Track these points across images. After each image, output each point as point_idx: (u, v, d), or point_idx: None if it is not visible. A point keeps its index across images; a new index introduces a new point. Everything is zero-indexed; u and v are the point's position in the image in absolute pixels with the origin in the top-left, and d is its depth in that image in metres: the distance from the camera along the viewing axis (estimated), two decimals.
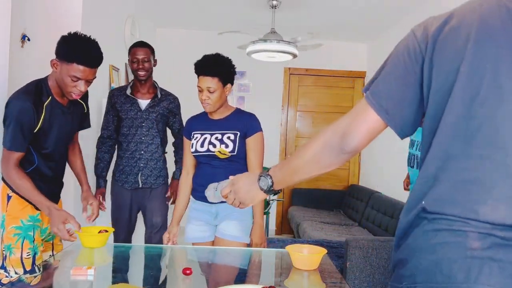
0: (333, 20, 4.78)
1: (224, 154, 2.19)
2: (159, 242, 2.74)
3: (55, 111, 2.00)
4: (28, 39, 2.60)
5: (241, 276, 1.81)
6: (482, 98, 0.84)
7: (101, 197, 2.74)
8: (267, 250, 2.15)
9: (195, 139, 2.25)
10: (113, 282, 1.57)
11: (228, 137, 2.21)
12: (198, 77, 2.22)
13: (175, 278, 1.66)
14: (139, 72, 2.74)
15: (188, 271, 1.57)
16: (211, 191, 1.47)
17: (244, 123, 2.23)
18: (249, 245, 2.26)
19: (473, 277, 0.82)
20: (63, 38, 1.91)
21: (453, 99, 0.86)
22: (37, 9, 2.75)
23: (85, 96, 2.27)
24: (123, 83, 3.92)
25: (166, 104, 2.86)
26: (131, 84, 2.85)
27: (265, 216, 3.97)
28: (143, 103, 2.81)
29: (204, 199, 2.18)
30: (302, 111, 5.72)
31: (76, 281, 1.50)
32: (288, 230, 5.59)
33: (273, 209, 5.68)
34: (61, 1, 2.86)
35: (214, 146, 2.19)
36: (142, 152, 2.79)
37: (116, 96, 2.81)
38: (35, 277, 1.98)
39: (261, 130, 2.26)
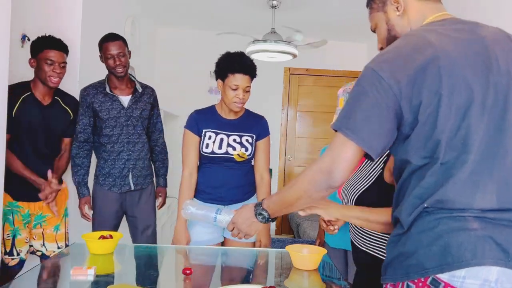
0: (333, 20, 4.78)
1: (242, 157, 2.17)
2: (148, 241, 2.68)
3: (30, 106, 2.29)
4: (28, 39, 2.60)
5: (241, 276, 1.82)
6: (464, 113, 1.01)
7: (87, 206, 2.59)
8: (267, 250, 2.15)
9: (209, 139, 2.16)
10: (114, 282, 1.56)
11: (247, 140, 2.20)
12: (231, 75, 2.09)
13: (175, 278, 1.66)
14: (117, 69, 2.49)
15: (188, 271, 1.57)
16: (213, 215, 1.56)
17: (258, 126, 2.24)
18: (254, 245, 2.27)
19: (479, 254, 0.96)
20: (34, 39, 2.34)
21: (441, 116, 1.00)
22: (37, 9, 2.75)
23: (73, 103, 2.50)
24: None
25: (147, 98, 2.67)
26: (106, 80, 2.60)
27: None
28: (125, 99, 2.59)
29: (214, 200, 2.16)
30: (302, 111, 5.72)
31: (76, 281, 1.50)
32: (288, 230, 5.59)
33: None
34: (61, 1, 2.86)
35: (234, 149, 2.16)
36: (130, 152, 2.59)
37: (92, 95, 2.53)
38: (12, 259, 2.28)
39: (269, 133, 2.31)
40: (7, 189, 2.15)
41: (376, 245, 1.57)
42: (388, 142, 1.06)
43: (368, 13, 1.30)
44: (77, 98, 2.58)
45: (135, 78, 2.71)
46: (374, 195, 1.57)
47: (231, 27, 4.81)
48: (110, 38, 2.52)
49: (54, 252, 2.36)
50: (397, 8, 1.21)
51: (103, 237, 1.79)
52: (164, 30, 5.39)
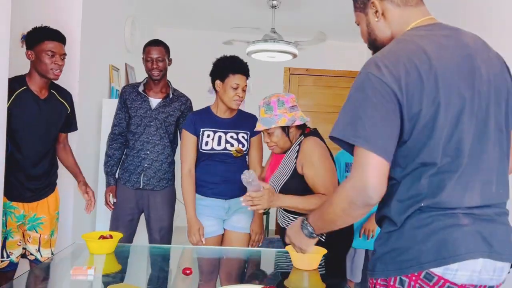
0: (333, 20, 4.78)
1: (239, 152, 2.31)
2: (162, 242, 2.70)
3: (28, 100, 2.22)
4: None
5: (241, 276, 1.82)
6: (457, 119, 1.07)
7: (111, 195, 2.72)
8: (267, 250, 2.15)
9: (207, 137, 2.30)
10: (114, 282, 1.56)
11: (243, 137, 2.35)
12: (232, 75, 2.26)
13: (175, 278, 1.66)
14: (153, 72, 2.66)
15: (188, 271, 1.57)
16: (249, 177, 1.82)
17: (251, 124, 2.32)
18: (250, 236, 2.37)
19: (471, 248, 1.04)
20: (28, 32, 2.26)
21: (438, 123, 1.06)
22: (37, 9, 2.75)
23: (69, 97, 2.46)
24: (123, 83, 3.91)
25: (178, 105, 2.75)
26: (144, 81, 2.78)
27: (265, 216, 3.98)
28: (154, 101, 2.72)
29: (216, 195, 2.32)
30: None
31: (76, 281, 1.50)
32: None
33: (273, 209, 5.67)
34: (61, 1, 2.86)
35: (232, 145, 2.30)
36: (148, 152, 2.67)
37: (127, 93, 2.73)
38: (2, 261, 2.20)
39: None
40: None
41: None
42: (395, 145, 1.08)
43: (354, 9, 1.33)
44: (77, 98, 2.58)
45: (171, 85, 2.81)
46: (290, 187, 1.90)
47: (231, 27, 4.81)
48: (153, 42, 2.72)
49: (48, 258, 2.32)
50: (375, 13, 1.24)
51: (103, 237, 1.79)
52: (164, 30, 5.38)
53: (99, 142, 3.26)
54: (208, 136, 2.30)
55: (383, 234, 1.15)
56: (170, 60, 2.76)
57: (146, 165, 2.68)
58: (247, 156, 2.41)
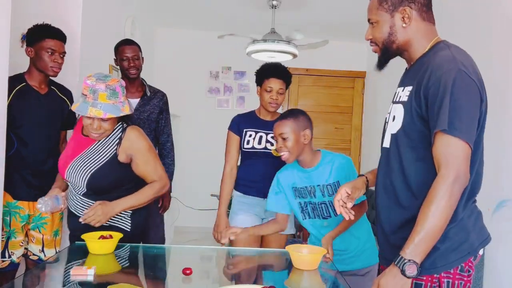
0: (333, 20, 4.78)
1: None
2: (156, 242, 2.71)
3: (28, 95, 2.23)
4: None
5: (241, 276, 1.81)
6: (483, 119, 1.29)
7: None
8: (267, 250, 2.15)
9: (249, 136, 2.44)
10: (114, 282, 1.56)
11: None
12: (266, 79, 2.41)
13: (175, 278, 1.66)
14: (130, 71, 2.66)
15: (188, 271, 1.57)
16: None
17: None
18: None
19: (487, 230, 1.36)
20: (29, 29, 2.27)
21: (482, 120, 1.28)
22: (37, 9, 2.75)
23: (69, 94, 2.46)
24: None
25: (156, 102, 2.76)
26: None
27: None
28: (133, 102, 2.65)
29: (256, 193, 2.42)
30: None
31: (76, 281, 1.50)
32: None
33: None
34: (61, 1, 2.86)
35: (272, 144, 2.40)
36: None
37: None
38: (3, 261, 2.20)
39: None
40: (6, 188, 2.12)
41: None
42: None
43: (374, 6, 1.37)
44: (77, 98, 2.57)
45: (146, 83, 2.80)
46: (106, 173, 1.86)
47: (231, 27, 4.81)
48: (127, 42, 2.75)
49: (49, 257, 2.32)
50: (403, 19, 1.33)
51: (103, 237, 1.78)
52: (164, 30, 5.38)
53: None
54: (250, 135, 2.43)
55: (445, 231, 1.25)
56: (142, 59, 2.78)
57: None
58: None
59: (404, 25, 1.33)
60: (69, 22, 2.82)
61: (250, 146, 2.43)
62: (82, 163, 1.88)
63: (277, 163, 2.32)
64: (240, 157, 2.53)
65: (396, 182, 1.35)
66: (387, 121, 1.45)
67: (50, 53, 2.21)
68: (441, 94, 1.20)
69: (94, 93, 1.76)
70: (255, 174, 2.43)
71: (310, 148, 2.00)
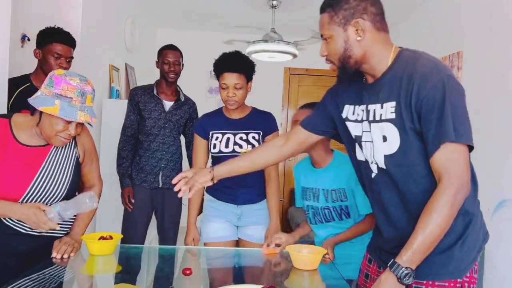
0: None
1: None
2: (174, 240, 2.87)
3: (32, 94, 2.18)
4: (28, 39, 2.60)
5: (241, 276, 1.82)
6: None
7: (129, 196, 2.78)
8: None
9: (216, 139, 2.20)
10: (114, 283, 1.56)
11: (253, 137, 2.21)
12: (220, 75, 2.15)
13: (175, 278, 1.66)
14: (170, 74, 2.78)
15: (188, 271, 1.57)
16: None
17: (264, 123, 2.24)
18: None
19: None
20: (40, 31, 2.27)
21: None
22: (37, 9, 2.75)
23: None
24: (123, 83, 3.91)
25: (187, 108, 2.91)
26: (155, 84, 2.87)
27: None
28: (167, 104, 2.85)
29: (228, 199, 2.24)
30: None
31: (76, 281, 1.50)
32: (288, 230, 5.58)
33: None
34: (61, 1, 2.86)
35: (241, 146, 2.18)
36: (164, 152, 2.81)
37: (139, 95, 2.82)
38: None
39: (278, 129, 2.30)
40: None
41: None
42: None
43: (325, 21, 1.32)
44: None
45: (180, 89, 2.93)
46: (77, 179, 1.75)
47: (231, 27, 4.82)
48: (170, 47, 2.86)
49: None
50: (357, 31, 1.27)
51: (103, 238, 1.78)
52: (164, 30, 5.38)
53: (99, 142, 3.26)
54: (217, 138, 2.20)
55: (459, 236, 1.26)
56: (183, 65, 2.91)
57: (163, 165, 2.81)
58: None
59: (358, 38, 1.27)
60: (69, 22, 2.82)
61: (217, 150, 2.19)
62: (53, 174, 1.65)
63: None
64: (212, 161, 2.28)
65: (409, 196, 1.30)
66: (371, 140, 1.33)
67: (56, 57, 2.22)
68: (439, 105, 1.16)
69: (82, 96, 1.56)
70: (226, 179, 2.09)
71: (325, 146, 1.93)
